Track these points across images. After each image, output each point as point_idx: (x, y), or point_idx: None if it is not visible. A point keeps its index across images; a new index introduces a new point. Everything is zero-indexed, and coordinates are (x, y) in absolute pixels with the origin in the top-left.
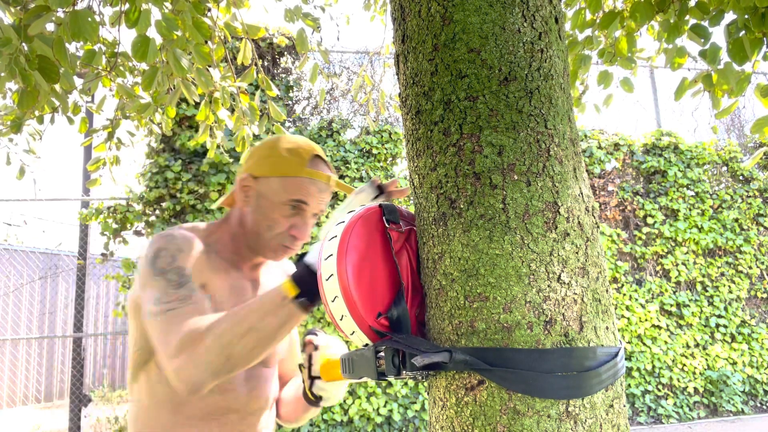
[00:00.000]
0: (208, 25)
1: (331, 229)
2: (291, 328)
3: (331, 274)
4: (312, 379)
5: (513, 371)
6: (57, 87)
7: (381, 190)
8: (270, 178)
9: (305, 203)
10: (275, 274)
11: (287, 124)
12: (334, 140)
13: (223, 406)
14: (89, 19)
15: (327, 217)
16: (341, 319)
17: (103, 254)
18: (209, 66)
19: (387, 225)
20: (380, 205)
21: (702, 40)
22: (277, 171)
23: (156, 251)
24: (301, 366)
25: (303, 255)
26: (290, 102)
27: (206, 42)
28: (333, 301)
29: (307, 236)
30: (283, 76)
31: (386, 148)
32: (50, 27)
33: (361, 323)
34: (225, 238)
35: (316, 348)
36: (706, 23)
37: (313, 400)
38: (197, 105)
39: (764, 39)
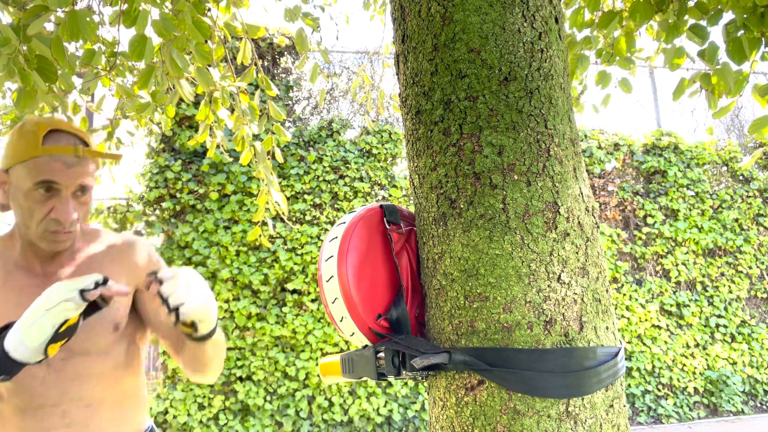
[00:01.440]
0: (208, 24)
1: (332, 230)
2: None
3: (332, 276)
4: (173, 311)
5: (512, 371)
6: (55, 87)
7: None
8: (15, 167)
9: (54, 182)
10: (102, 263)
11: (287, 124)
12: (334, 140)
13: (33, 402)
14: (88, 18)
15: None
16: (341, 321)
17: None
18: (209, 65)
19: (388, 226)
20: (381, 206)
21: (700, 40)
22: (16, 158)
23: None
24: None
25: (4, 328)
26: (290, 102)
27: (206, 41)
28: (333, 303)
29: (71, 215)
30: (283, 76)
31: (386, 148)
32: (50, 27)
33: (361, 325)
34: (15, 241)
35: (160, 282)
36: (704, 23)
37: (190, 331)
38: (197, 105)
39: (762, 39)
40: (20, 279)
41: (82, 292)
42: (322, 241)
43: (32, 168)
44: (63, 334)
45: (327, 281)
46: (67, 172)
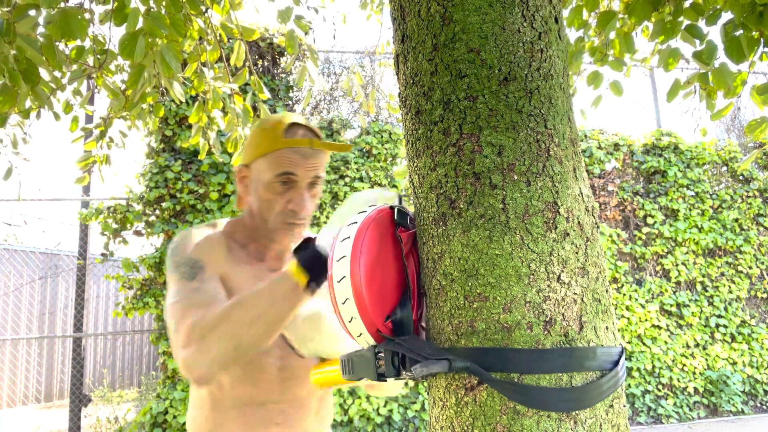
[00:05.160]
0: (183, 22)
1: (343, 230)
2: (296, 312)
3: (344, 276)
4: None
5: (514, 384)
6: (39, 89)
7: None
8: (256, 161)
9: (293, 174)
10: None
11: None
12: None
13: (256, 397)
14: (79, 17)
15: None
16: (350, 321)
17: (103, 254)
18: (204, 66)
19: (397, 227)
20: (391, 207)
21: (696, 41)
22: (258, 151)
23: (173, 248)
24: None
25: (307, 240)
26: (290, 102)
27: (201, 41)
28: (344, 303)
29: (307, 207)
30: (283, 76)
31: (386, 148)
32: (41, 28)
33: (370, 326)
34: (246, 232)
35: None
36: (702, 23)
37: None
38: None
39: (761, 39)
40: (259, 270)
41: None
42: None
43: (273, 160)
44: None
45: (338, 281)
46: (304, 163)
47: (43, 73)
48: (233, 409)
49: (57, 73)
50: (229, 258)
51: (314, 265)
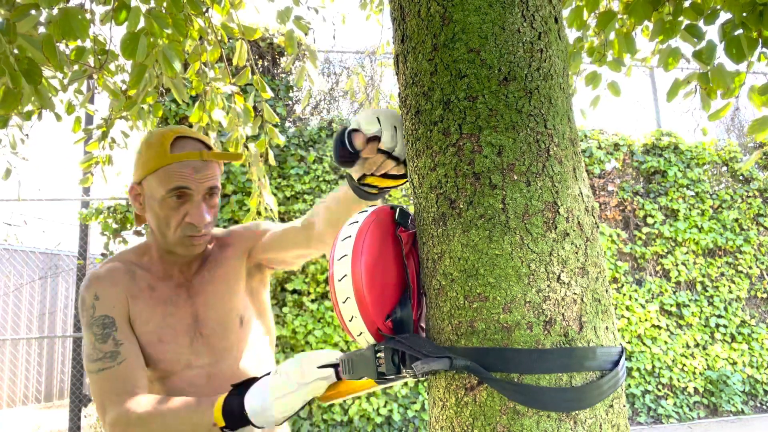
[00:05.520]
0: (184, 22)
1: (344, 229)
2: None
3: (345, 275)
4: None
5: (514, 384)
6: (42, 88)
7: None
8: (147, 177)
9: (186, 188)
10: (225, 260)
11: (287, 124)
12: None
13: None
14: (80, 17)
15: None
16: (350, 320)
17: (103, 254)
18: (204, 66)
19: (398, 227)
20: (392, 206)
21: (696, 41)
22: (147, 168)
23: (81, 304)
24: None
25: (241, 384)
26: (290, 102)
27: (202, 41)
28: (344, 302)
29: (205, 218)
30: (283, 76)
31: None
32: (41, 27)
33: (370, 325)
34: (152, 252)
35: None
36: (700, 23)
37: (373, 190)
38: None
39: (759, 39)
40: (165, 290)
41: (336, 369)
42: None
43: (163, 176)
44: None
45: (339, 280)
46: (196, 176)
47: (47, 73)
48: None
49: (59, 74)
50: (131, 289)
51: (234, 415)
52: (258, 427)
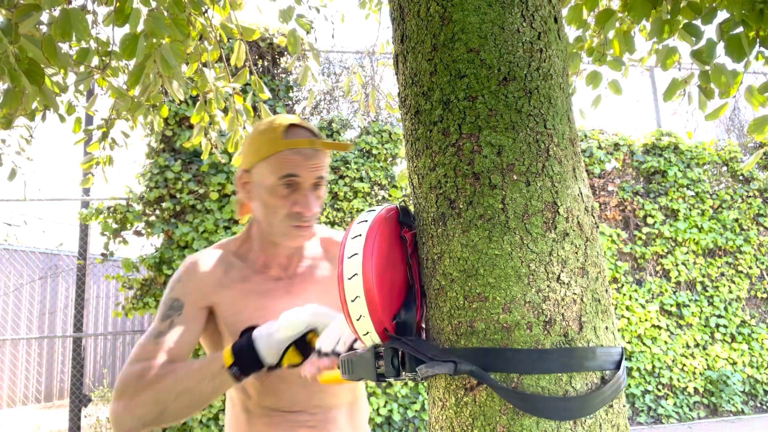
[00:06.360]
0: (185, 22)
1: (354, 227)
2: (223, 393)
3: (355, 274)
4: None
5: (518, 393)
6: (46, 88)
7: None
8: (257, 165)
9: (297, 175)
10: (328, 264)
11: None
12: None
13: (282, 406)
14: (81, 18)
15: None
16: (358, 319)
17: (103, 254)
18: (204, 66)
19: (402, 227)
20: (397, 206)
21: (694, 40)
22: (259, 155)
23: (171, 280)
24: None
25: (252, 328)
26: (290, 102)
27: (202, 40)
28: (353, 301)
29: (312, 208)
30: (283, 76)
31: (386, 148)
32: (43, 27)
33: (378, 324)
34: (253, 242)
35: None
36: (697, 22)
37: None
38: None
39: (758, 39)
40: (260, 282)
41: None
42: None
43: (274, 163)
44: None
45: (349, 279)
46: (307, 164)
47: (50, 72)
48: (262, 416)
49: (60, 75)
50: (222, 279)
51: (243, 351)
52: (266, 365)
